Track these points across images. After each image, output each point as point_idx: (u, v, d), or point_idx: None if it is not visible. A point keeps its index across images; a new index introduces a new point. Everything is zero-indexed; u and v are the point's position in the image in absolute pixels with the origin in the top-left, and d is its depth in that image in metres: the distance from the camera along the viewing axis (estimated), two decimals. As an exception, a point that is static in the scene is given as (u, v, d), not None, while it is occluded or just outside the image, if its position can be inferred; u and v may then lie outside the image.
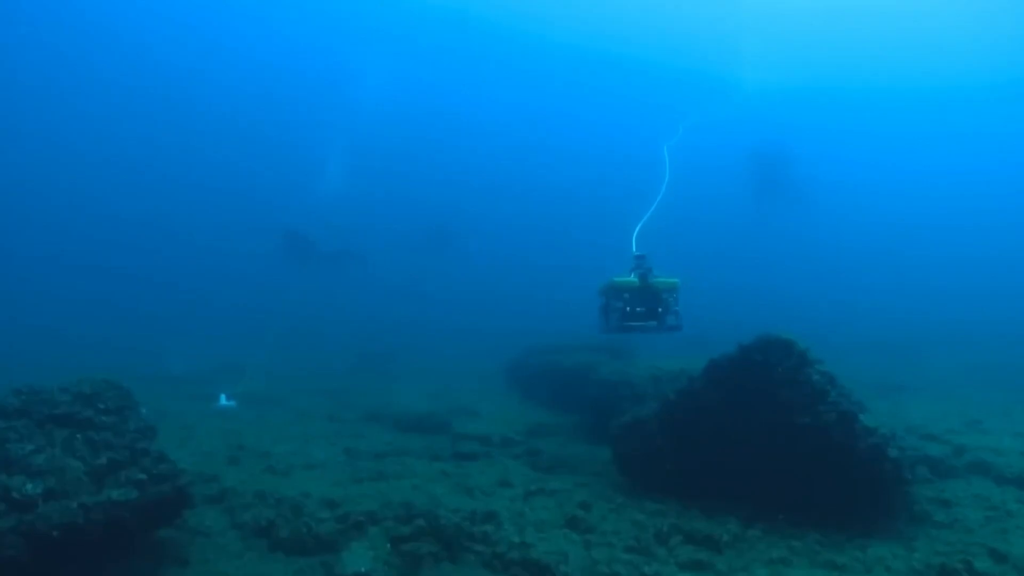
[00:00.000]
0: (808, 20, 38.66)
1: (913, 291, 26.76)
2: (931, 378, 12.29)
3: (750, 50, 34.26)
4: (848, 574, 4.17)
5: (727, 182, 24.98)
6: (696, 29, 40.98)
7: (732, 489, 5.25)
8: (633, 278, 6.29)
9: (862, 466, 4.85)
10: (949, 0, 36.74)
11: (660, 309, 6.24)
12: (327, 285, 21.49)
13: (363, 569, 4.20)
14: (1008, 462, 6.24)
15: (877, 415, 5.25)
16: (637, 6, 41.77)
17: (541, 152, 48.79)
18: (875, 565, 4.24)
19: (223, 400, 10.40)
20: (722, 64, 35.65)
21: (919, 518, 5.07)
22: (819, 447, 4.94)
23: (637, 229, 6.58)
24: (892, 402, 9.58)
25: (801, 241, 30.09)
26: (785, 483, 5.06)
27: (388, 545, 4.52)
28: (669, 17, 41.77)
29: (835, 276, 30.81)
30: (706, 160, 22.53)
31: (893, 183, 44.12)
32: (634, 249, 6.44)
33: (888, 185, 43.80)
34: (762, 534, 4.71)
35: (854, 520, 4.84)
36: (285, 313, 19.84)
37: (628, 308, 6.26)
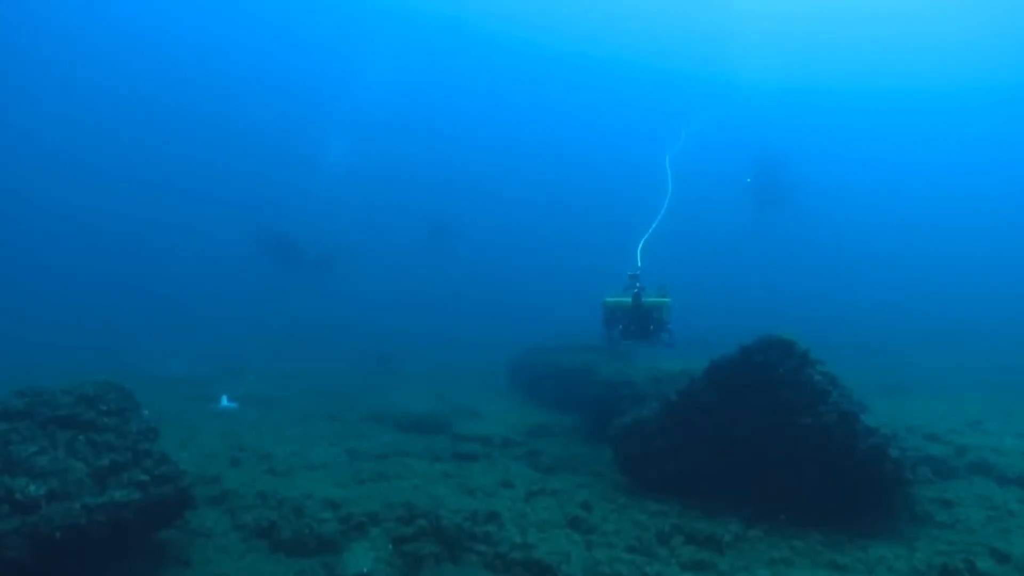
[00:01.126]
0: (806, 21, 38.68)
1: (914, 291, 26.74)
2: (932, 378, 12.26)
3: (747, 52, 34.32)
4: (850, 574, 4.17)
5: (726, 183, 25.00)
6: (693, 32, 40.99)
7: (733, 489, 5.25)
8: (627, 299, 6.72)
9: (863, 466, 4.86)
10: (947, 2, 36.75)
11: (652, 327, 6.72)
12: (321, 288, 21.44)
13: (365, 570, 4.21)
14: (1009, 462, 6.24)
15: (878, 415, 5.26)
16: (633, 10, 41.78)
17: (541, 155, 48.88)
18: (877, 565, 4.24)
19: (224, 401, 10.40)
20: (720, 66, 35.73)
21: (921, 518, 5.08)
22: (820, 447, 4.95)
23: (642, 243, 6.79)
24: (893, 402, 9.56)
25: (801, 242, 30.08)
26: (787, 483, 5.07)
27: (390, 545, 4.53)
28: (665, 21, 41.78)
29: (835, 277, 30.78)
30: (705, 162, 22.52)
31: (892, 184, 44.15)
32: (638, 263, 6.74)
33: (887, 186, 43.82)
34: (764, 534, 4.71)
35: (856, 520, 4.84)
36: (285, 315, 19.87)
37: (622, 326, 6.93)
